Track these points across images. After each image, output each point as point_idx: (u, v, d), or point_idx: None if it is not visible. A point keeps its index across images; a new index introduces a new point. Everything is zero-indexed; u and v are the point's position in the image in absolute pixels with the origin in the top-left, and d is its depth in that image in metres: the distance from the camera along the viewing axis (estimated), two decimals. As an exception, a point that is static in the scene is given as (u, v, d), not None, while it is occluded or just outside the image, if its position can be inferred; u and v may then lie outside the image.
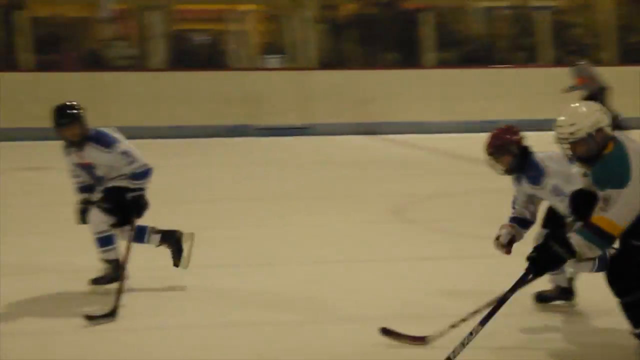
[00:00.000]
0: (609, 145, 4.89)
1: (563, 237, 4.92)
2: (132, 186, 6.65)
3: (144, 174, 6.69)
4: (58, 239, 8.39)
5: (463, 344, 4.91)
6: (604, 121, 4.93)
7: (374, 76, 18.52)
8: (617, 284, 4.96)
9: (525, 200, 5.82)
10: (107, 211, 6.70)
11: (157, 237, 6.89)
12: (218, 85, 17.45)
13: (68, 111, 6.77)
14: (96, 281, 6.75)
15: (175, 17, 19.00)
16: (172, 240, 6.88)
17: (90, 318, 5.98)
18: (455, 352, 4.88)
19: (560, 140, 4.94)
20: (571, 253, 4.89)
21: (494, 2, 21.00)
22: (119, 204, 6.67)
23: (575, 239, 4.87)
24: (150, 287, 6.81)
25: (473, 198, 10.38)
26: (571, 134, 4.88)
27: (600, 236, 4.82)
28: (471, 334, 4.94)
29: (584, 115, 4.93)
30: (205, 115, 17.35)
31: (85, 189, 6.80)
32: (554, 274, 5.89)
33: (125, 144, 6.68)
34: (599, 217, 4.81)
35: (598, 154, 4.88)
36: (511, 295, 5.10)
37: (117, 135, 6.73)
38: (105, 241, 6.74)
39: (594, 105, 5.06)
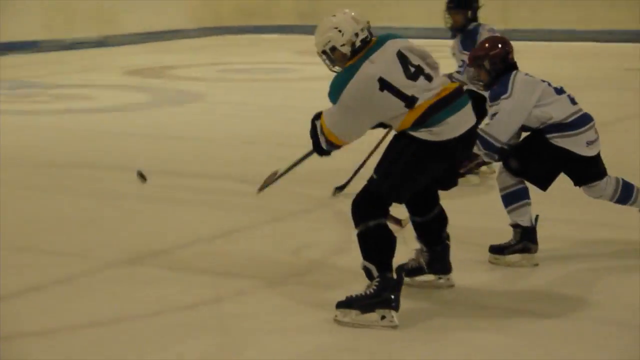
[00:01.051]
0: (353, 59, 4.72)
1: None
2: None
3: None
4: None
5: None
6: (338, 40, 4.72)
7: None
8: (354, 212, 4.73)
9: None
10: None
11: None
12: None
13: None
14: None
15: None
16: None
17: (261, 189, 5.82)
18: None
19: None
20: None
21: None
22: None
23: (316, 123, 4.83)
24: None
25: None
26: (316, 49, 4.82)
27: (321, 133, 4.79)
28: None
29: (318, 33, 4.81)
30: None
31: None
32: (513, 208, 5.57)
33: None
34: (324, 114, 4.78)
35: None
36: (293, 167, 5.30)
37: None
38: None
39: (332, 20, 4.77)
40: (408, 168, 4.69)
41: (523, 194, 5.54)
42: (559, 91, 5.55)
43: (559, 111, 5.47)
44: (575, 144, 5.47)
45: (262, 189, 5.34)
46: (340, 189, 6.93)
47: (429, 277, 5.16)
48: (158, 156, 8.54)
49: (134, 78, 14.88)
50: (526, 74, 5.57)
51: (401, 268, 4.74)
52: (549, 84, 5.56)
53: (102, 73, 15.72)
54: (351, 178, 6.91)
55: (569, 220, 6.24)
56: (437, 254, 5.08)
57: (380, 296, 4.60)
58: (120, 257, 5.74)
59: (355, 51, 4.71)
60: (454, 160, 4.85)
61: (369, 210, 4.67)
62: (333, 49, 4.73)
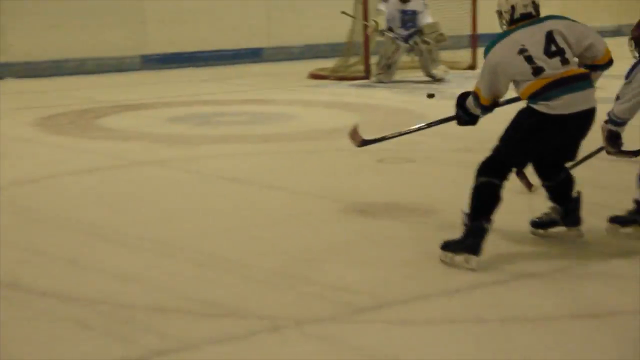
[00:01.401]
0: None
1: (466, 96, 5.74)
2: None
3: None
4: None
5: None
6: (502, 7, 5.61)
7: None
8: (476, 170, 5.45)
9: None
10: None
11: None
12: None
13: None
14: None
15: None
16: None
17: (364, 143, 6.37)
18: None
19: None
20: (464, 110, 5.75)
21: None
22: None
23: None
24: None
25: None
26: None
27: (474, 97, 5.61)
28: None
29: None
30: None
31: None
32: None
33: None
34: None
35: None
36: (434, 125, 6.42)
37: None
38: None
39: None
40: (524, 137, 5.46)
41: None
42: None
43: None
44: None
45: (363, 143, 6.33)
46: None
47: (561, 229, 5.89)
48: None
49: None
50: None
51: (489, 220, 5.34)
52: None
53: (615, 62, 15.42)
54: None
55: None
56: (568, 210, 5.85)
57: (465, 242, 5.32)
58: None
59: (514, 20, 5.55)
60: (568, 136, 5.52)
61: (486, 170, 5.42)
62: (499, 12, 5.63)
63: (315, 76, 14.20)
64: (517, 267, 5.34)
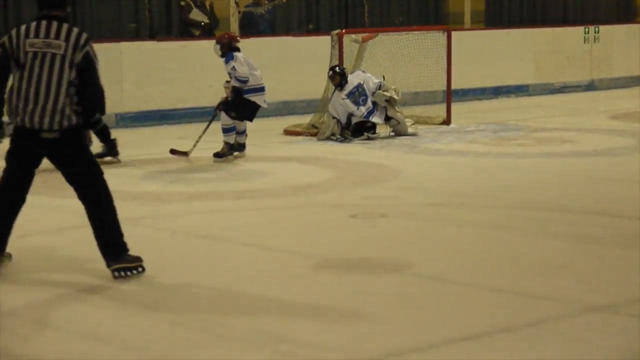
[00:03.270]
0: None
1: None
2: None
3: None
4: None
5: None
6: None
7: None
8: None
9: None
10: None
11: None
12: None
13: None
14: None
15: None
16: None
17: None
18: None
19: None
20: None
21: None
22: None
23: None
24: None
25: None
26: None
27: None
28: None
29: None
30: None
31: None
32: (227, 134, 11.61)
33: None
34: None
35: None
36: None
37: None
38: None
39: None
40: None
41: None
42: None
43: None
44: None
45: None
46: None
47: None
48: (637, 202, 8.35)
49: (619, 122, 14.60)
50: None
51: None
52: None
53: (588, 117, 15.59)
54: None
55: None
56: (108, 148, 11.16)
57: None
58: (595, 303, 5.62)
59: None
60: None
61: None
62: None
63: (289, 132, 14.21)
64: (486, 324, 5.34)
